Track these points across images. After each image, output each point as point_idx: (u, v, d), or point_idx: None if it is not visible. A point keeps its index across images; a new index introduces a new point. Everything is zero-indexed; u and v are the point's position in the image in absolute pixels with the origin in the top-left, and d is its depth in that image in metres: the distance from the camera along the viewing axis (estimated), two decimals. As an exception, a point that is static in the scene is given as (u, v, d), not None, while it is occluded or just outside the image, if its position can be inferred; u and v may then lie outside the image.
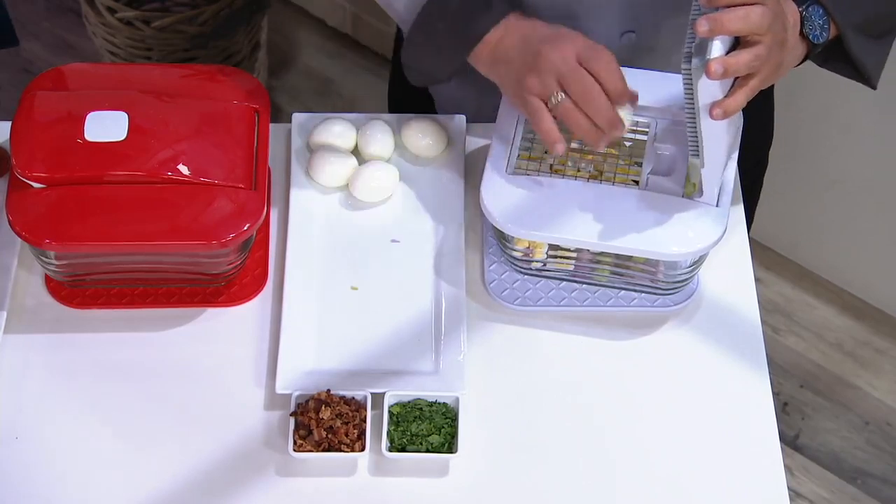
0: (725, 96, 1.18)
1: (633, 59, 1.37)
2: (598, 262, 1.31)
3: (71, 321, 1.32)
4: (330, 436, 1.22)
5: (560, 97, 1.24)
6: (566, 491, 1.23)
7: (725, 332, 1.33)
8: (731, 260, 1.36)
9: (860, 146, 2.15)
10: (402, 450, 1.23)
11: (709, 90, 1.17)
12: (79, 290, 1.33)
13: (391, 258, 1.36)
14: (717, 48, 1.15)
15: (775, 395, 2.18)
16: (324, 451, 1.22)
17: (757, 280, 1.38)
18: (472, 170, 1.41)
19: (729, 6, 1.15)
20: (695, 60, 1.16)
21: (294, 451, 1.22)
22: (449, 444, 1.24)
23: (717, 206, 1.26)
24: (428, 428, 1.24)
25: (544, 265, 1.33)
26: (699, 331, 1.33)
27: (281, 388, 1.25)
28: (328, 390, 1.25)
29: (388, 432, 1.24)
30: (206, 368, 1.29)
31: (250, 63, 2.44)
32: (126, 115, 1.27)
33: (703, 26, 1.14)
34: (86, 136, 1.26)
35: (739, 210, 1.40)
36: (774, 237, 2.37)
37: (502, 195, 1.28)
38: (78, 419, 1.26)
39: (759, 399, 1.29)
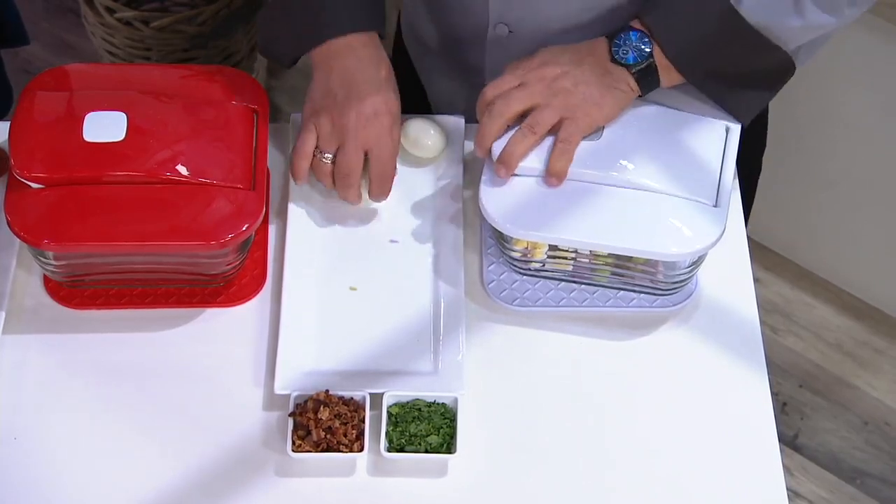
0: (548, 164, 1.26)
1: (506, 50, 1.39)
2: (597, 262, 1.31)
3: (69, 321, 1.32)
4: (328, 436, 1.22)
5: (328, 158, 1.32)
6: (565, 491, 1.23)
7: (724, 332, 1.33)
8: (730, 260, 1.36)
9: (859, 146, 2.15)
10: (401, 450, 1.23)
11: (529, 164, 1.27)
12: (77, 291, 1.33)
13: (390, 258, 1.36)
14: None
15: (774, 395, 2.19)
16: (322, 451, 1.22)
17: (756, 280, 1.38)
18: (471, 170, 1.41)
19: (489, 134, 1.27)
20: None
21: (293, 451, 1.22)
22: (447, 445, 1.24)
23: (715, 206, 1.26)
24: (426, 428, 1.24)
25: (543, 266, 1.33)
26: (698, 331, 1.33)
27: (279, 388, 1.25)
28: (327, 391, 1.25)
29: (387, 433, 1.24)
30: (204, 369, 1.29)
31: (249, 63, 2.43)
32: (125, 116, 1.27)
33: (503, 173, 1.27)
34: (85, 136, 1.26)
35: (738, 210, 1.39)
36: (773, 237, 2.37)
37: (501, 195, 1.28)
38: (76, 419, 1.26)
39: (757, 399, 1.29)
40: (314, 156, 1.33)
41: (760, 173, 1.62)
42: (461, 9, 1.42)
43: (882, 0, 1.84)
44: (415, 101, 1.56)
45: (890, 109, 2.04)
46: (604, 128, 1.29)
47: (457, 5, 1.43)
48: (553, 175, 1.26)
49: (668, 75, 1.30)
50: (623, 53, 1.28)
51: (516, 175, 1.29)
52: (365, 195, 1.36)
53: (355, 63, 1.32)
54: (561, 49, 1.30)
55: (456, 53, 1.49)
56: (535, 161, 1.27)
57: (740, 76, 1.31)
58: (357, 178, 1.33)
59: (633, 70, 1.28)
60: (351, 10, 1.33)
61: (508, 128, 1.29)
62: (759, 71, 1.31)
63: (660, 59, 1.28)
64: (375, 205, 1.39)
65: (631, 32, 1.28)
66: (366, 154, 1.32)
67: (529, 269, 1.33)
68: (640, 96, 1.30)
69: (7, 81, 2.04)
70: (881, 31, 1.92)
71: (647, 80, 1.29)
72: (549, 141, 1.28)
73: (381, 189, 1.34)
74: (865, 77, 2.02)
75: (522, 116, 1.28)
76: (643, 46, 1.28)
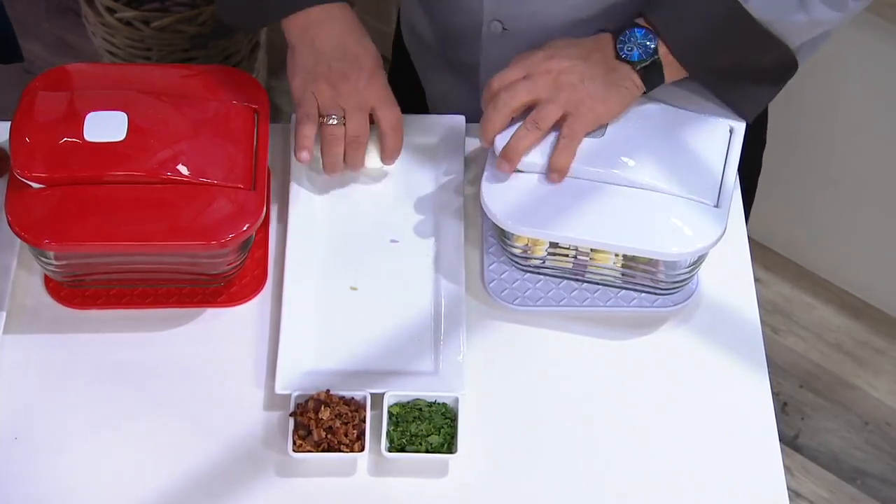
0: (550, 160, 1.26)
1: (501, 47, 1.40)
2: (598, 260, 1.31)
3: (70, 321, 1.32)
4: (329, 436, 1.22)
5: (336, 121, 1.31)
6: (565, 491, 1.23)
7: (725, 331, 1.33)
8: (731, 260, 1.36)
9: (860, 145, 2.15)
10: (402, 450, 1.23)
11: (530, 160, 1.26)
12: (78, 291, 1.33)
13: (391, 258, 1.36)
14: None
15: (775, 395, 2.19)
16: (323, 451, 1.22)
17: (756, 280, 1.38)
18: (471, 169, 1.41)
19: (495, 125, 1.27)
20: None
21: (293, 451, 1.22)
22: (448, 445, 1.24)
23: (716, 206, 1.26)
24: (427, 428, 1.24)
25: (543, 262, 1.33)
26: (699, 331, 1.33)
27: (280, 388, 1.25)
28: (328, 390, 1.25)
29: (388, 432, 1.24)
30: (205, 369, 1.29)
31: (250, 63, 2.43)
32: (125, 116, 1.27)
33: (505, 168, 1.27)
34: (85, 136, 1.26)
35: (739, 210, 1.40)
36: (774, 237, 2.37)
37: (503, 192, 1.28)
38: (77, 419, 1.26)
39: (758, 399, 1.29)
40: (320, 123, 1.32)
41: (760, 172, 1.63)
42: (455, 6, 1.42)
43: (882, 0, 1.84)
44: (414, 101, 1.56)
45: (890, 109, 2.04)
46: (607, 125, 1.29)
47: (451, 2, 1.43)
48: (555, 171, 1.26)
49: (672, 71, 1.30)
50: (628, 50, 1.28)
51: (518, 171, 1.29)
52: (373, 161, 1.36)
53: (341, 27, 1.33)
54: (567, 43, 1.30)
55: (451, 51, 1.49)
56: (537, 157, 1.27)
57: (744, 73, 1.31)
58: (367, 139, 1.33)
59: (638, 67, 1.28)
60: None
61: (513, 121, 1.28)
62: (763, 68, 1.31)
63: (664, 56, 1.28)
64: (374, 204, 1.39)
65: (636, 29, 1.28)
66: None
67: (530, 266, 1.33)
68: (644, 93, 1.30)
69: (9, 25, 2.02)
70: (881, 31, 1.92)
71: (651, 77, 1.29)
72: (552, 137, 1.28)
73: (396, 143, 1.34)
74: (865, 77, 2.02)
75: (528, 110, 1.28)
76: (648, 43, 1.28)
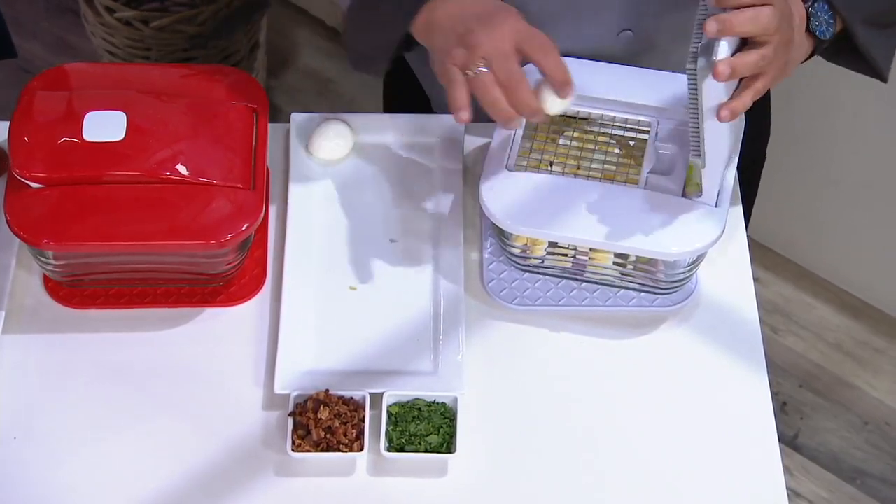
0: (731, 97, 1.18)
1: (630, 58, 1.37)
2: (597, 259, 1.31)
3: (69, 321, 1.32)
4: (328, 436, 1.22)
5: (481, 69, 1.20)
6: (564, 490, 1.23)
7: (724, 331, 1.33)
8: (730, 259, 1.36)
9: (860, 145, 2.15)
10: (401, 450, 1.23)
11: (714, 91, 1.17)
12: (77, 290, 1.33)
13: (390, 258, 1.36)
14: (723, 49, 1.14)
15: (774, 394, 2.19)
16: (322, 451, 1.22)
17: (756, 280, 1.38)
18: (470, 169, 1.41)
19: (738, 7, 1.14)
20: (701, 61, 1.16)
21: (292, 451, 1.22)
22: (447, 444, 1.23)
23: (716, 206, 1.26)
24: (426, 428, 1.24)
25: (542, 262, 1.33)
26: (698, 330, 1.33)
27: (279, 388, 1.25)
28: (327, 390, 1.24)
29: (387, 432, 1.24)
30: (204, 368, 1.29)
31: (249, 63, 2.43)
32: (124, 115, 1.27)
33: (711, 27, 1.13)
34: (84, 135, 1.26)
35: (738, 210, 1.40)
36: (774, 237, 2.37)
37: (502, 191, 1.28)
38: (76, 419, 1.26)
39: (757, 398, 1.29)
40: (467, 75, 1.21)
41: (765, 164, 1.62)
42: None
43: None
44: (416, 103, 1.56)
45: (890, 109, 2.04)
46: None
47: None
48: (729, 109, 1.17)
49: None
50: (816, 25, 1.27)
51: (517, 171, 1.29)
52: (553, 106, 1.23)
53: (457, 5, 1.25)
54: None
55: None
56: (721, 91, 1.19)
57: (887, 22, 1.31)
58: (522, 79, 1.21)
59: (820, 48, 1.28)
60: None
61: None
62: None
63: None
64: (373, 204, 1.39)
65: (816, 3, 1.27)
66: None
67: (529, 266, 1.33)
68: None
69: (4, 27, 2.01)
70: (881, 31, 1.92)
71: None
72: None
73: (558, 68, 1.21)
74: (866, 77, 2.02)
75: None
76: (830, 22, 1.28)
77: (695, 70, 1.16)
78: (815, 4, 1.27)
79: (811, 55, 1.29)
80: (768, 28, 1.15)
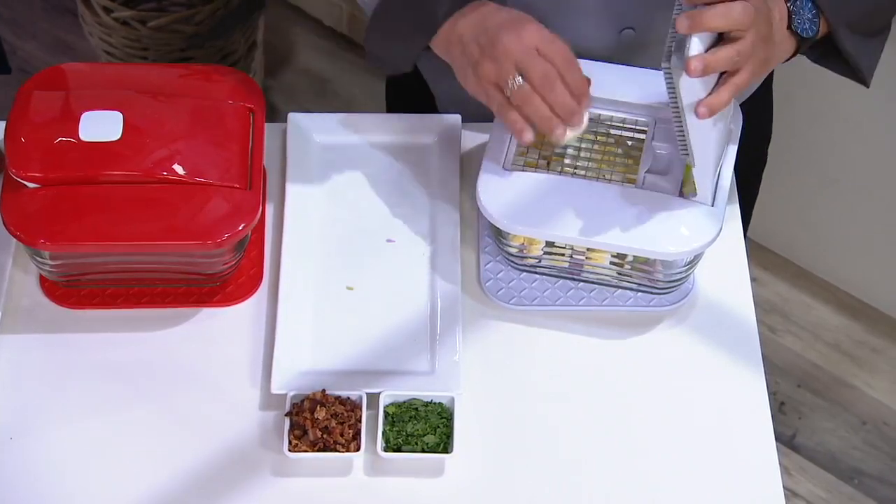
0: (709, 94, 1.18)
1: (631, 57, 1.37)
2: (594, 259, 1.31)
3: (66, 321, 1.32)
4: (325, 436, 1.22)
5: (518, 82, 1.21)
6: (562, 490, 1.23)
7: (721, 331, 1.32)
8: (728, 259, 1.36)
9: (858, 145, 2.15)
10: (398, 450, 1.23)
11: (691, 88, 1.16)
12: (74, 291, 1.32)
13: (387, 258, 1.36)
14: (695, 45, 1.14)
15: (772, 394, 2.18)
16: (319, 451, 1.22)
17: (753, 280, 1.38)
18: (468, 169, 1.41)
19: (710, 3, 1.14)
20: (674, 58, 1.15)
21: (289, 451, 1.22)
22: (444, 444, 1.23)
23: (712, 205, 1.26)
24: (423, 428, 1.24)
25: (539, 262, 1.33)
26: (695, 330, 1.33)
27: (276, 388, 1.25)
28: (323, 390, 1.24)
29: (384, 432, 1.24)
30: (201, 368, 1.29)
31: (247, 63, 2.43)
32: (121, 115, 1.27)
33: (682, 23, 1.13)
34: (81, 135, 1.26)
35: (736, 209, 1.39)
36: (771, 236, 2.37)
37: (499, 191, 1.28)
38: (72, 419, 1.26)
39: (754, 398, 1.29)
40: (505, 94, 1.22)
41: (766, 166, 1.62)
42: None
43: None
44: (421, 102, 1.56)
45: (889, 109, 2.04)
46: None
47: None
48: (707, 106, 1.17)
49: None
50: (798, 23, 1.27)
51: (516, 171, 1.28)
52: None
53: (473, 13, 1.26)
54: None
55: None
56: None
57: (874, 29, 1.31)
58: (554, 77, 1.21)
59: (803, 48, 1.28)
60: None
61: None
62: (883, 25, 1.33)
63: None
64: (370, 204, 1.39)
65: (799, 1, 1.27)
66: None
67: (526, 266, 1.33)
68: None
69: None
70: (879, 31, 1.92)
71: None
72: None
73: (577, 79, 1.23)
74: (864, 76, 2.02)
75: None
76: (814, 21, 1.28)
77: (669, 68, 1.16)
78: (798, 2, 1.27)
79: (794, 54, 1.29)
80: (740, 22, 1.15)
